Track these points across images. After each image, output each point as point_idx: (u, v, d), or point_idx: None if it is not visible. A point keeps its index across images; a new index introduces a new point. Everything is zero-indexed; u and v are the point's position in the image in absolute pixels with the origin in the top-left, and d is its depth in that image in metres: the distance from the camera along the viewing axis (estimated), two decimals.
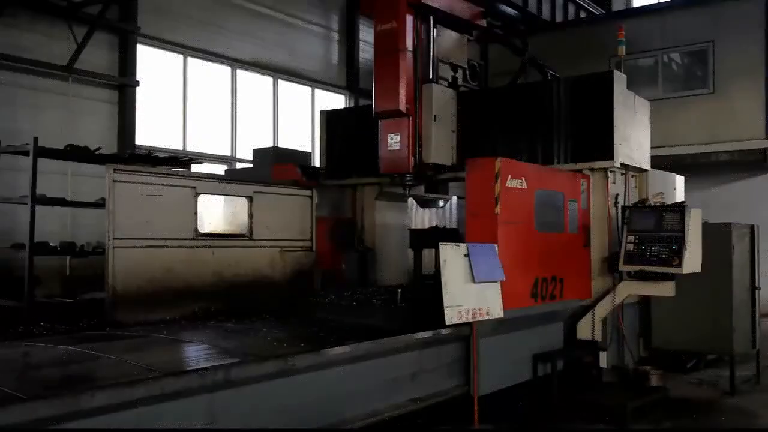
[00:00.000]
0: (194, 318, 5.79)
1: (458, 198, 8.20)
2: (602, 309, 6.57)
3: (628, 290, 6.51)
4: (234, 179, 7.07)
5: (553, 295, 6.06)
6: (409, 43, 6.77)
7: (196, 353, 4.26)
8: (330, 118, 8.66)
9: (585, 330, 6.58)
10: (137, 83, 10.18)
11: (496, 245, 5.37)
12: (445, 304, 4.85)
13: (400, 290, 5.72)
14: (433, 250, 7.07)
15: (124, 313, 5.58)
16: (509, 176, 5.56)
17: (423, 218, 8.38)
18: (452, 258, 5.02)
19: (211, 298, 6.27)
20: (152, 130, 10.77)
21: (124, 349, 4.27)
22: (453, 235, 6.97)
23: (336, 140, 8.48)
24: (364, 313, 5.42)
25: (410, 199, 7.85)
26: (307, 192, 7.62)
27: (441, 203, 7.87)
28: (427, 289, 6.41)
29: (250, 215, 6.90)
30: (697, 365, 7.82)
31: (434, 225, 7.58)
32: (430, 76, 7.01)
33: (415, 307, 5.36)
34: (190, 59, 11.35)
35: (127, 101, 10.05)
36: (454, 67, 7.46)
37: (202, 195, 6.40)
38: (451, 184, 8.98)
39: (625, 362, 6.90)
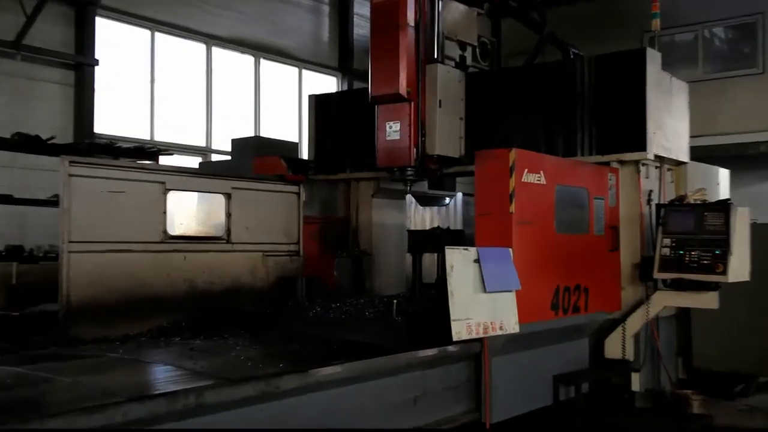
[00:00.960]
0: (162, 334, 5.78)
1: (464, 195, 8.20)
2: (634, 323, 6.57)
3: (664, 301, 6.51)
4: (209, 173, 7.08)
5: (576, 307, 6.07)
6: (411, 17, 6.76)
7: (160, 375, 4.25)
8: (320, 103, 8.65)
9: (614, 347, 6.59)
10: (96, 62, 10.18)
11: (510, 249, 5.38)
12: (451, 317, 4.85)
13: (396, 301, 5.72)
14: (435, 254, 7.08)
15: (81, 328, 5.58)
16: (525, 170, 5.57)
17: (423, 218, 8.39)
18: (460, 264, 5.02)
19: (182, 310, 6.26)
20: (114, 116, 10.78)
21: (80, 371, 4.27)
22: (458, 238, 6.98)
23: (327, 129, 8.48)
24: (354, 327, 5.42)
25: (408, 196, 7.85)
26: (294, 188, 7.63)
27: (447, 200, 7.88)
28: (428, 300, 6.43)
29: (228, 215, 6.91)
30: (746, 389, 7.80)
31: (436, 226, 7.58)
32: (435, 56, 7.01)
33: (414, 321, 5.36)
34: (158, 35, 11.35)
35: (84, 83, 10.06)
36: (463, 45, 7.46)
37: (172, 191, 6.40)
38: (459, 180, 8.99)
39: (662, 385, 6.90)
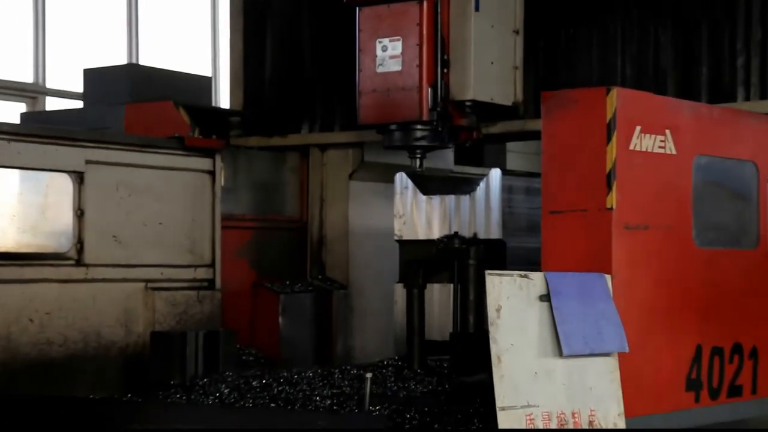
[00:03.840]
0: None
1: (504, 174, 8.20)
2: None
3: None
4: (42, 134, 7.09)
5: (735, 387, 6.13)
6: None
7: None
8: (252, 4, 8.75)
9: None
10: None
11: (608, 276, 5.42)
12: (498, 403, 4.88)
13: (370, 376, 5.74)
14: (452, 286, 7.06)
15: None
16: (638, 127, 5.62)
17: (429, 217, 8.38)
18: (513, 304, 5.06)
19: None
20: None
21: None
22: (497, 255, 7.00)
23: (266, 53, 8.57)
24: (289, 422, 5.46)
25: (399, 176, 7.82)
26: (205, 163, 7.66)
27: (480, 184, 7.89)
28: (434, 374, 6.49)
29: (79, 213, 6.93)
30: None
31: (454, 232, 7.61)
32: None
33: (406, 412, 5.41)
34: None
35: None
36: None
37: None
38: (510, 148, 9.06)
39: None
